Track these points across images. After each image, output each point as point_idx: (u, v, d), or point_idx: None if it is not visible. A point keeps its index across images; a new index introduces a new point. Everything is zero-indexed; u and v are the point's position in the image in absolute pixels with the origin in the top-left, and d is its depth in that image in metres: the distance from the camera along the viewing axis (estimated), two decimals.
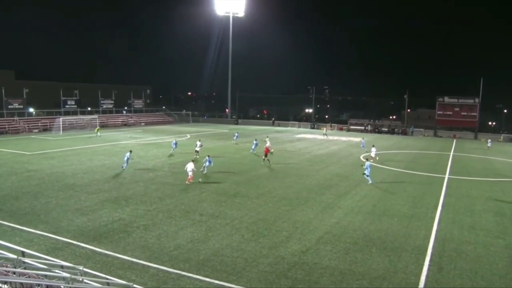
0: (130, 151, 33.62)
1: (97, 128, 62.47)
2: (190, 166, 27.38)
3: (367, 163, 30.36)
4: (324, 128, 72.84)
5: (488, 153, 50.05)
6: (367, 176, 28.85)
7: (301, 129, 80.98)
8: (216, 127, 78.38)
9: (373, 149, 39.56)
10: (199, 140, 40.96)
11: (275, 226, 18.87)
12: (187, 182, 27.18)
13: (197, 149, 38.62)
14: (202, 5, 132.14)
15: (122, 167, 32.05)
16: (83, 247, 15.73)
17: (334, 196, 24.88)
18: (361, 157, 41.37)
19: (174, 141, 42.86)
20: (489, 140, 59.27)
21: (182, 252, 15.55)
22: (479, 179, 32.31)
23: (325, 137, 64.05)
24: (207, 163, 30.59)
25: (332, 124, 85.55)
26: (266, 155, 36.48)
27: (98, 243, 16.19)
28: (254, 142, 44.34)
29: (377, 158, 39.17)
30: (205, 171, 30.32)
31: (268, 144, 41.27)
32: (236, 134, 54.01)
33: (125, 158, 32.44)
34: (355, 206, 22.86)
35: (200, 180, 28.06)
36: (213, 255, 15.32)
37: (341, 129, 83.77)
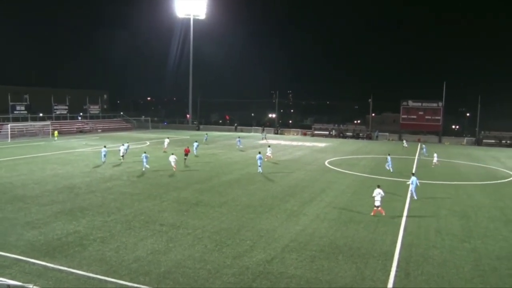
0: (124, 144, 42.49)
1: (55, 132, 62.09)
2: (172, 158, 35.30)
3: (259, 155, 36.12)
4: (264, 132, 76.92)
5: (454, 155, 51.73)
6: (259, 166, 35.34)
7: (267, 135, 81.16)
8: (177, 134, 77.69)
9: (269, 149, 44.31)
10: (123, 144, 42.15)
11: (239, 235, 18.80)
12: (174, 169, 34.70)
13: (122, 154, 40.07)
14: (161, 7, 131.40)
15: (122, 156, 39.75)
16: (33, 263, 15.12)
17: (299, 203, 25.03)
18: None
19: (125, 147, 41.47)
20: (404, 141, 64.62)
21: (142, 264, 15.24)
22: (444, 182, 33.26)
23: (265, 140, 66.02)
24: (145, 160, 35.59)
25: (266, 128, 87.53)
26: (186, 155, 40.17)
27: (50, 258, 15.62)
28: (195, 143, 47.68)
29: (272, 157, 43.15)
30: (145, 168, 35.11)
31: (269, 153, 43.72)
32: (195, 144, 48.38)
33: (123, 150, 39.96)
34: (321, 212, 23.07)
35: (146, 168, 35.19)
36: (174, 267, 15.08)
37: (305, 134, 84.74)
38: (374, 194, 22.61)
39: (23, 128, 67.50)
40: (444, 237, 19.32)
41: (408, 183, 27.90)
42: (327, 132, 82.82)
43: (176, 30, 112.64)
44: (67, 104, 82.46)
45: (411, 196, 26.93)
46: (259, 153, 37.29)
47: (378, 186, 23.08)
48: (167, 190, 27.76)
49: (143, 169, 35.03)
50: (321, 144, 65.20)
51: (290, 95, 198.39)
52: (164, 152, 47.41)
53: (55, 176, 31.83)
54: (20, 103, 74.58)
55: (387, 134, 79.91)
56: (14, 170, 34.38)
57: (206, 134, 66.61)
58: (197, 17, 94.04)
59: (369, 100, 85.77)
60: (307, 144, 64.83)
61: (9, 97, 71.65)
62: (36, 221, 20.17)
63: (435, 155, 43.98)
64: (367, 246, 17.85)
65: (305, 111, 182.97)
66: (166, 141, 51.58)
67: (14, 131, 63.93)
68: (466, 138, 77.50)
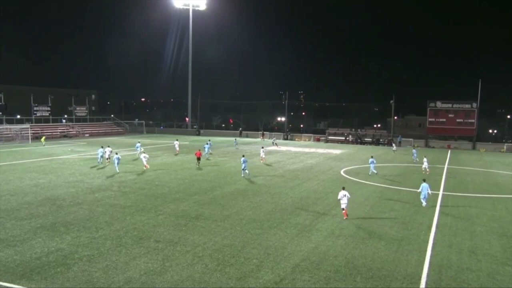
0: (137, 144, 52.46)
1: (43, 137, 62.75)
2: (143, 156, 41.36)
3: (243, 158, 39.27)
4: (274, 137, 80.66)
5: (484, 164, 51.44)
6: (243, 169, 38.55)
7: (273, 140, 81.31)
8: (175, 139, 77.70)
9: (262, 151, 49.72)
10: (109, 146, 46.90)
11: (244, 253, 18.72)
12: (144, 168, 40.36)
13: (108, 156, 43.88)
14: None
15: (108, 159, 43.51)
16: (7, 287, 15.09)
17: (311, 217, 24.93)
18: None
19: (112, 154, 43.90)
20: (394, 144, 68.22)
21: (134, 286, 15.18)
22: (479, 195, 32.98)
23: (276, 146, 70.29)
24: (117, 161, 39.36)
25: (265, 133, 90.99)
26: (198, 159, 44.64)
27: (27, 280, 15.54)
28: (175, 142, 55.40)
29: (264, 160, 48.78)
30: (118, 170, 38.90)
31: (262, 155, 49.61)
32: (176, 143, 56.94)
33: (109, 152, 43.70)
34: (336, 228, 22.94)
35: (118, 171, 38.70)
36: None
37: (318, 139, 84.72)
38: (339, 197, 24.86)
39: None
40: (480, 259, 19.00)
41: (419, 191, 28.97)
42: (343, 138, 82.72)
43: (173, 22, 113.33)
44: (49, 105, 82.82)
45: (426, 204, 28.22)
46: (243, 156, 40.27)
47: (343, 188, 25.29)
48: (163, 202, 27.76)
49: (117, 171, 38.80)
50: (336, 151, 65.10)
51: (302, 96, 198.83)
52: (176, 155, 53.95)
53: (35, 186, 31.92)
54: None
55: (411, 139, 79.54)
56: None
57: (235, 139, 73.79)
58: (196, 8, 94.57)
59: (391, 101, 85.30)
60: (320, 151, 64.79)
61: None
62: (11, 238, 20.11)
63: (424, 160, 45.04)
64: (389, 267, 17.69)
65: (318, 114, 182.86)
66: (176, 143, 57.11)
67: None
68: (506, 144, 76.70)
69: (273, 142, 74.01)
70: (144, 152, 43.88)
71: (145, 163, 40.78)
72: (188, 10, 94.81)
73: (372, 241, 20.80)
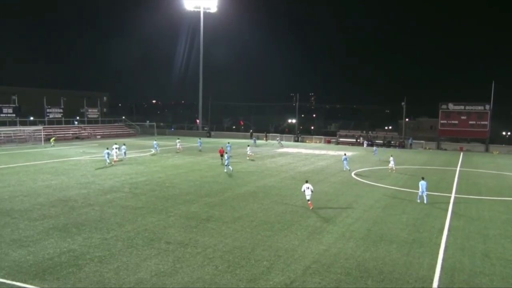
0: (155, 141, 57.84)
1: (52, 138, 63.26)
2: (113, 152, 45.85)
3: (226, 155, 42.57)
4: (278, 138, 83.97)
5: (497, 167, 51.01)
6: (226, 165, 41.20)
7: (284, 142, 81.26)
8: (186, 140, 78.00)
9: (248, 148, 55.56)
10: (116, 143, 51.02)
11: (254, 255, 18.69)
12: (113, 162, 44.67)
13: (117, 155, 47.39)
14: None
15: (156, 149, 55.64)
16: (20, 287, 15.20)
17: (322, 219, 24.85)
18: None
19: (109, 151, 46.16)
20: (365, 142, 73.57)
21: (145, 287, 15.23)
22: (493, 198, 32.69)
23: (280, 145, 75.76)
24: (106, 156, 43.91)
25: (268, 134, 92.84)
26: (222, 155, 47.16)
27: (40, 280, 15.63)
28: (154, 143, 58.10)
29: (252, 155, 53.95)
30: (108, 162, 43.75)
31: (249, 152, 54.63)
32: (155, 144, 58.19)
33: (155, 146, 55.28)
34: (347, 230, 22.85)
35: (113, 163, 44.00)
36: None
37: (329, 141, 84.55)
38: (303, 189, 27.43)
39: (10, 133, 68.12)
40: (494, 262, 18.77)
41: (420, 191, 29.84)
42: (354, 140, 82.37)
43: (185, 25, 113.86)
44: (62, 106, 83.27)
45: (422, 201, 29.55)
46: (226, 153, 44.44)
47: (306, 181, 27.95)
48: (174, 204, 27.82)
49: (106, 164, 43.66)
50: (347, 153, 64.82)
51: (312, 98, 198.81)
52: (178, 152, 58.77)
53: (48, 188, 32.12)
54: (8, 105, 75.14)
55: (423, 142, 79.12)
56: (0, 180, 34.82)
57: (254, 139, 79.61)
58: (207, 10, 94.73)
59: (402, 103, 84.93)
60: (331, 153, 64.65)
61: None
62: (24, 239, 20.24)
63: (391, 158, 45.78)
64: (401, 269, 17.57)
65: (329, 116, 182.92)
66: (178, 142, 62.03)
67: (1, 136, 64.63)
68: None
69: (279, 143, 78.52)
70: (117, 149, 47.58)
71: (115, 157, 45.81)
72: (199, 12, 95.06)
73: (383, 244, 20.68)
